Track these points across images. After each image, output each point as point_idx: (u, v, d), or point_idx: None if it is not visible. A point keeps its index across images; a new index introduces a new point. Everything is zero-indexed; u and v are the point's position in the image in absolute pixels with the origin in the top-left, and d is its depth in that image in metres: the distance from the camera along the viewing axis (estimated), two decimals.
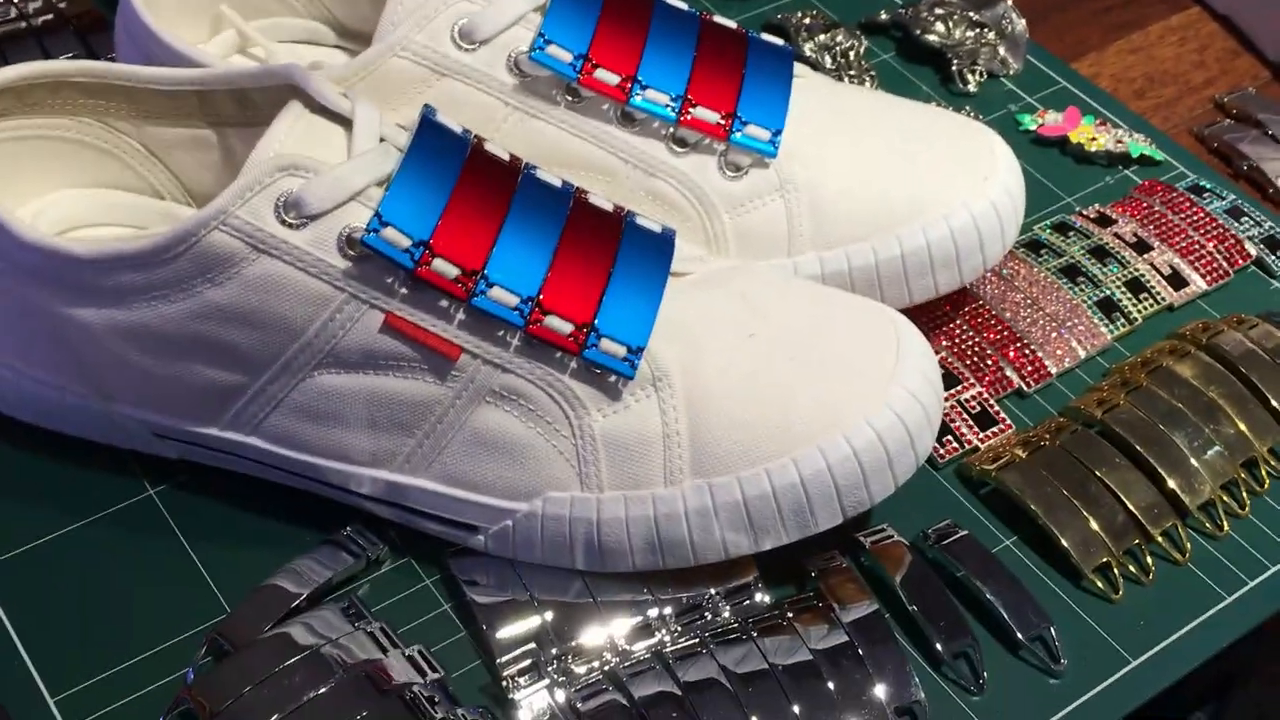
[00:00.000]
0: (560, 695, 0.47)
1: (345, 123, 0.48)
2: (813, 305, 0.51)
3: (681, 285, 0.50)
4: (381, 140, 0.47)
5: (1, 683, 0.47)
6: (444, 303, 0.46)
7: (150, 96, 0.52)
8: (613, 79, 0.54)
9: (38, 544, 0.51)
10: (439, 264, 0.46)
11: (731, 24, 0.58)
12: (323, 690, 0.46)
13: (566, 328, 0.47)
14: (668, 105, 0.54)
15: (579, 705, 0.47)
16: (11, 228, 0.47)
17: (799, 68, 0.58)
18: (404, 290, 0.46)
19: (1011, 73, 0.73)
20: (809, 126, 0.56)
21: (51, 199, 0.54)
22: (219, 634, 0.48)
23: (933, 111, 0.60)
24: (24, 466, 0.53)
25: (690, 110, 0.54)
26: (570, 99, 0.54)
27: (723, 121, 0.54)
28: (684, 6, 0.57)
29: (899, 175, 0.56)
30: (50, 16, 0.69)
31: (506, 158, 0.49)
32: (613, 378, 0.47)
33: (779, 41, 0.58)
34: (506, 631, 0.48)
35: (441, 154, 0.48)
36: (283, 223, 0.46)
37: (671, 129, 0.55)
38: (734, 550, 0.48)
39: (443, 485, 0.49)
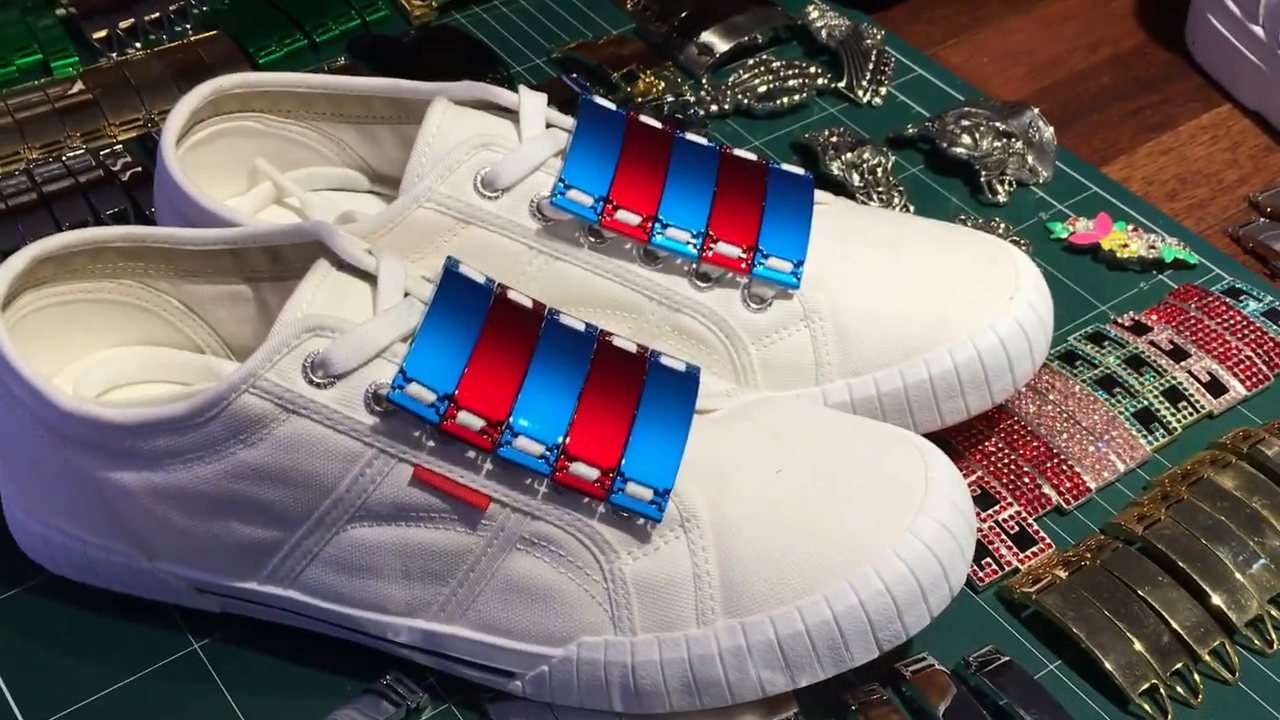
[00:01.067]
0: None
1: (370, 279, 0.49)
2: (839, 436, 0.51)
3: (707, 423, 0.50)
4: (406, 295, 0.48)
5: None
6: (471, 454, 0.47)
7: (187, 256, 0.54)
8: (634, 219, 0.55)
9: (88, 701, 0.51)
10: (464, 417, 0.47)
11: (751, 156, 0.58)
12: None
13: (593, 474, 0.47)
14: (689, 243, 0.55)
15: None
16: (51, 397, 0.48)
17: (821, 194, 0.59)
18: (431, 443, 0.47)
19: (1041, 181, 0.73)
20: (832, 255, 0.56)
21: (96, 359, 0.56)
22: None
23: (956, 231, 0.61)
24: (71, 624, 0.54)
25: (712, 246, 0.55)
26: (593, 240, 0.55)
27: (744, 255, 0.55)
28: (703, 142, 0.58)
29: (923, 299, 0.56)
30: (98, 172, 0.71)
31: (530, 304, 0.50)
32: (641, 520, 0.48)
33: (799, 171, 0.59)
34: None
35: (464, 306, 0.49)
36: (311, 383, 0.47)
37: (694, 265, 0.55)
38: (770, 689, 0.48)
39: (478, 633, 0.49)
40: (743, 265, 0.55)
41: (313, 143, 0.62)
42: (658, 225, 0.55)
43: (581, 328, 0.50)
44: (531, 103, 0.56)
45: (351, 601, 0.50)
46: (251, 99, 0.60)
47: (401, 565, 0.49)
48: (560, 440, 0.47)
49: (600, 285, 0.55)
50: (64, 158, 0.72)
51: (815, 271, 0.56)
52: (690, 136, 0.58)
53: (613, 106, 0.58)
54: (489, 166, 0.54)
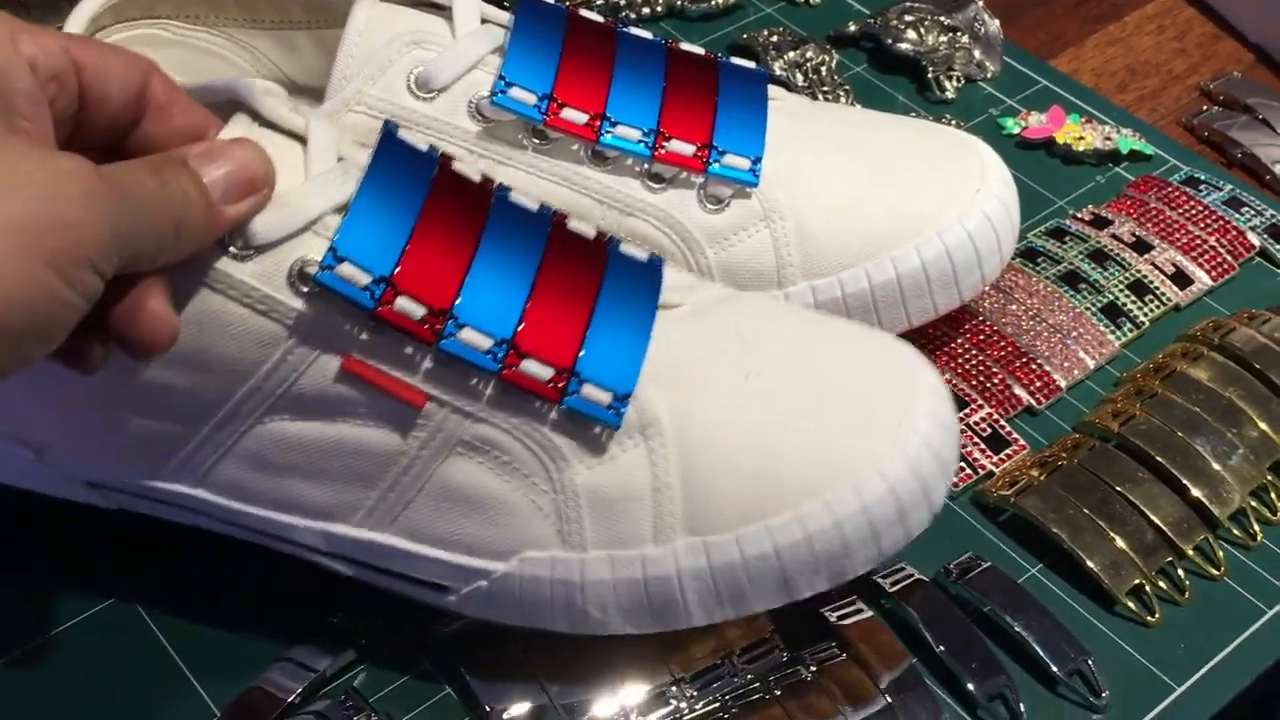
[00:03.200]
0: None
1: (299, 140, 0.43)
2: (813, 339, 0.47)
3: (671, 319, 0.46)
4: (340, 160, 0.43)
5: None
6: (409, 348, 0.42)
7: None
8: (580, 117, 0.51)
9: (10, 657, 0.48)
10: (403, 303, 0.42)
11: (699, 50, 0.55)
12: None
13: (545, 373, 0.43)
14: (640, 141, 0.51)
15: None
16: None
17: (774, 90, 0.56)
18: (363, 333, 0.42)
19: (989, 76, 0.70)
20: (790, 151, 0.53)
21: None
22: None
23: (916, 124, 0.58)
24: None
25: (664, 144, 0.52)
26: (537, 142, 0.51)
27: (699, 153, 0.52)
28: (649, 36, 0.55)
29: (887, 195, 0.53)
30: None
31: (477, 178, 0.45)
32: (597, 428, 0.44)
33: (750, 64, 0.56)
34: (514, 711, 0.45)
35: (405, 175, 0.43)
36: (228, 254, 0.41)
37: (646, 165, 0.52)
38: (730, 614, 0.45)
39: (408, 542, 0.45)
40: (698, 163, 0.52)
41: (224, 51, 0.57)
42: (606, 123, 0.51)
43: (534, 207, 0.46)
44: None
45: (266, 503, 0.45)
46: (156, 4, 0.55)
47: (325, 465, 0.44)
48: (510, 334, 0.42)
49: (547, 189, 0.52)
50: None
51: (774, 169, 0.53)
52: (634, 31, 0.54)
53: (551, 0, 0.54)
54: (422, 66, 0.51)
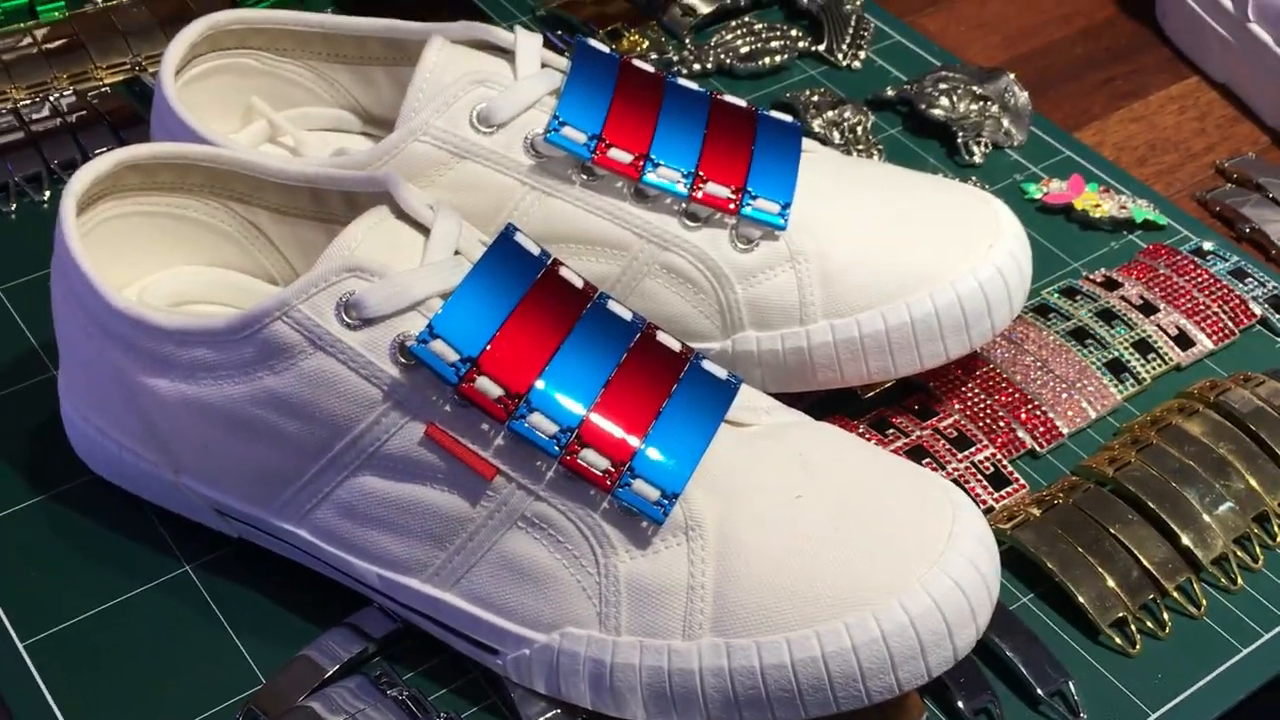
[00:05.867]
0: None
1: (426, 231, 0.49)
2: (870, 473, 0.49)
3: (737, 436, 0.49)
4: (456, 253, 0.48)
5: None
6: (484, 423, 0.47)
7: (270, 188, 0.55)
8: (626, 157, 0.56)
9: (79, 619, 0.52)
10: (482, 382, 0.46)
11: (741, 102, 0.60)
12: None
13: (602, 464, 0.47)
14: (679, 182, 0.56)
15: None
16: (103, 293, 0.49)
17: (807, 143, 0.60)
18: (446, 405, 0.47)
19: (1016, 144, 0.75)
20: (818, 198, 0.58)
21: (169, 273, 0.57)
22: (253, 705, 0.49)
23: (939, 182, 0.62)
24: (53, 543, 0.54)
25: (702, 186, 0.56)
26: (585, 178, 0.56)
27: (733, 196, 0.56)
28: (695, 87, 0.59)
29: (906, 244, 0.58)
30: (84, 112, 0.72)
31: (580, 285, 0.50)
32: (644, 522, 0.47)
33: (787, 118, 0.60)
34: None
35: (510, 272, 0.48)
36: (342, 322, 0.47)
37: (684, 204, 0.56)
38: (747, 719, 0.47)
39: (468, 604, 0.49)
40: (731, 205, 0.56)
41: (307, 82, 0.63)
42: (649, 164, 0.56)
43: (629, 317, 0.50)
44: (527, 42, 0.57)
45: (354, 549, 0.50)
46: (249, 36, 0.61)
47: (404, 521, 0.48)
48: (576, 424, 0.47)
49: (591, 222, 0.56)
50: (51, 98, 0.72)
51: (801, 214, 0.57)
52: (682, 81, 0.59)
53: (606, 49, 0.59)
54: (485, 102, 0.55)
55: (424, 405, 0.47)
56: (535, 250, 0.50)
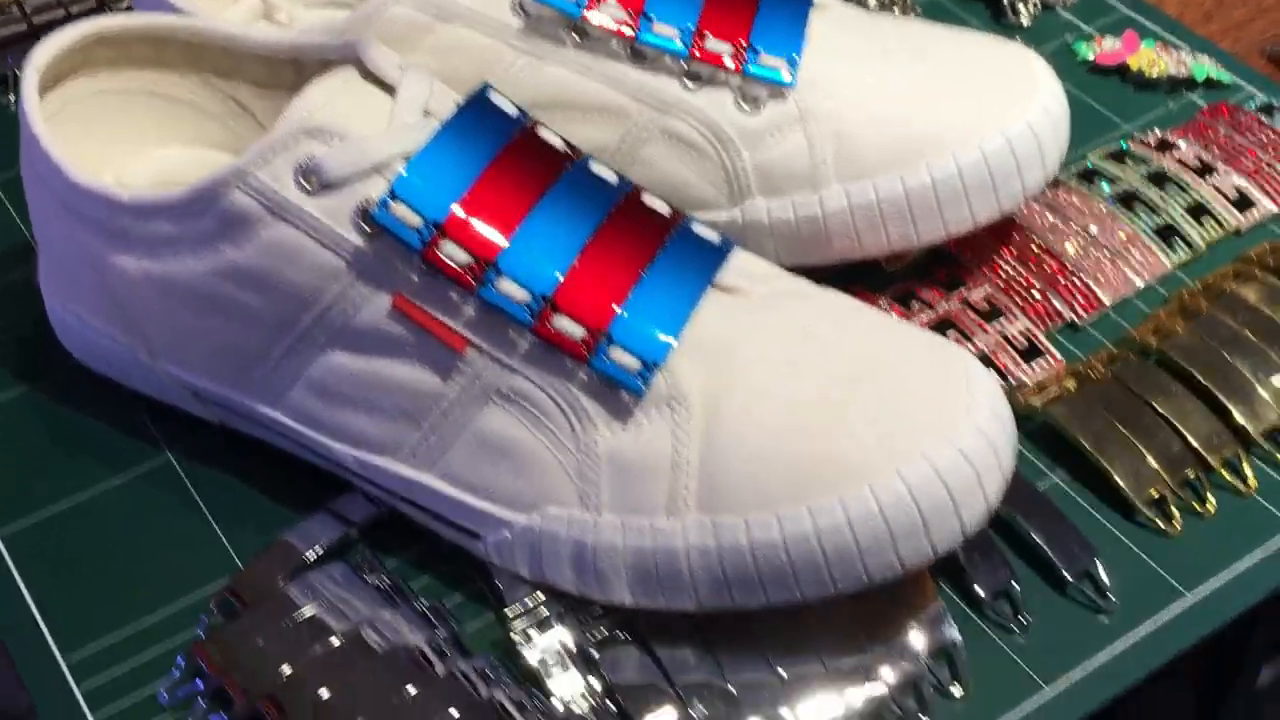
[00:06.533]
0: (571, 641, 0.45)
1: (395, 93, 0.46)
2: (876, 341, 0.46)
3: (732, 304, 0.46)
4: (426, 114, 0.45)
5: (14, 642, 0.47)
6: (453, 293, 0.44)
7: (251, 63, 0.52)
8: (619, 14, 0.52)
9: (54, 507, 0.51)
10: (449, 248, 0.44)
11: None
12: (332, 644, 0.45)
13: (578, 332, 0.44)
14: (678, 39, 0.52)
15: (591, 651, 0.45)
16: (66, 171, 0.47)
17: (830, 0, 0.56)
18: (414, 274, 0.44)
19: (1067, 3, 0.69)
20: (831, 53, 0.54)
21: (150, 155, 0.54)
22: (230, 591, 0.47)
23: (966, 34, 0.58)
24: (37, 433, 0.53)
25: (702, 43, 0.52)
26: (577, 38, 0.53)
27: (736, 53, 0.52)
28: None
29: (928, 100, 0.53)
30: (92, 4, 0.70)
31: (562, 147, 0.47)
32: (624, 394, 0.44)
33: None
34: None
35: (482, 132, 0.45)
36: (301, 188, 0.44)
37: (683, 64, 0.53)
38: (741, 602, 0.44)
39: (446, 485, 0.46)
40: (734, 63, 0.52)
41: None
42: (644, 20, 0.52)
43: (614, 180, 0.47)
44: None
45: (330, 431, 0.47)
46: None
47: (376, 399, 0.46)
48: (549, 290, 0.44)
49: (585, 87, 0.53)
50: None
51: (812, 71, 0.53)
52: None
53: None
54: None
55: (390, 275, 0.44)
56: (513, 111, 0.47)
